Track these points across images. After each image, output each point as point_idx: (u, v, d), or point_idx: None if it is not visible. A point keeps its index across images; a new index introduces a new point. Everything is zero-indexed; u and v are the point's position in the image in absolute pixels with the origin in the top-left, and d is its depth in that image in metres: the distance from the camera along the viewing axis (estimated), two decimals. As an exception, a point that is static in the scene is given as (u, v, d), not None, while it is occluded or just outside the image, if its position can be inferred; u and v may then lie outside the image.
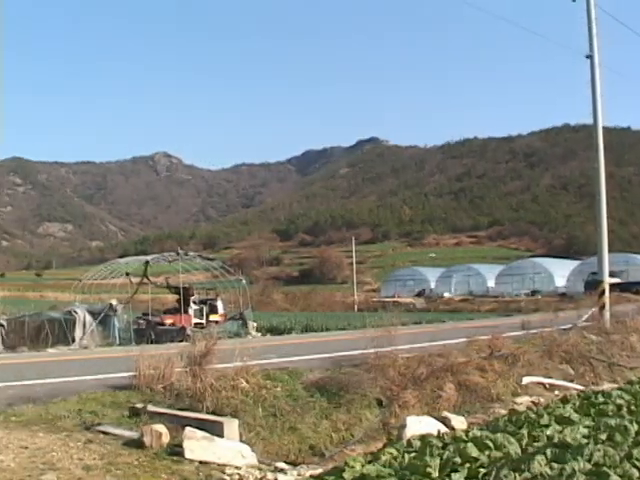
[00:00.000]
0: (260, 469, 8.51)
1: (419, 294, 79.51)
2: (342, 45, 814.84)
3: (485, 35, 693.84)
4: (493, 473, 6.47)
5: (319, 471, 8.61)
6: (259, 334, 32.73)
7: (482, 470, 6.70)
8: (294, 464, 9.37)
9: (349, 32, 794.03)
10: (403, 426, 10.29)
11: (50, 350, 26.80)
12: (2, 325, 32.05)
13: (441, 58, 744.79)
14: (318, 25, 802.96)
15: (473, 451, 7.28)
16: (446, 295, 76.58)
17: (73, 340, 28.85)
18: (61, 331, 29.58)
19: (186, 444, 8.25)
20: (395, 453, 7.86)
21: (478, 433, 8.69)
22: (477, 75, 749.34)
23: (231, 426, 9.20)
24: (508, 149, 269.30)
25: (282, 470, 8.73)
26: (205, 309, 34.49)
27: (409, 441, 8.74)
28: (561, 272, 77.42)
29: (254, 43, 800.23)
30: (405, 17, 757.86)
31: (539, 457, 6.73)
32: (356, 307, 69.44)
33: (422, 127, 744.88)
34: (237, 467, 8.23)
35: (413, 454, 7.73)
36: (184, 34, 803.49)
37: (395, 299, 68.81)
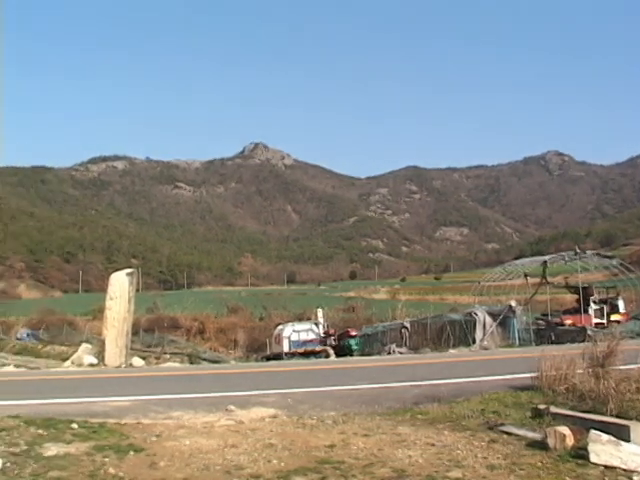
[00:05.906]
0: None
1: None
2: None
3: None
4: None
5: None
6: (664, 334, 31.03)
7: None
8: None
9: None
10: None
11: (452, 351, 27.86)
12: (406, 327, 34.14)
13: None
14: None
15: None
16: None
17: (474, 341, 29.72)
18: (462, 332, 30.67)
19: (591, 447, 8.07)
20: None
21: None
22: None
23: (638, 430, 8.82)
24: None
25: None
26: (605, 309, 33.59)
27: None
28: None
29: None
30: None
31: None
32: None
33: None
34: (644, 474, 7.87)
35: None
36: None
37: None
